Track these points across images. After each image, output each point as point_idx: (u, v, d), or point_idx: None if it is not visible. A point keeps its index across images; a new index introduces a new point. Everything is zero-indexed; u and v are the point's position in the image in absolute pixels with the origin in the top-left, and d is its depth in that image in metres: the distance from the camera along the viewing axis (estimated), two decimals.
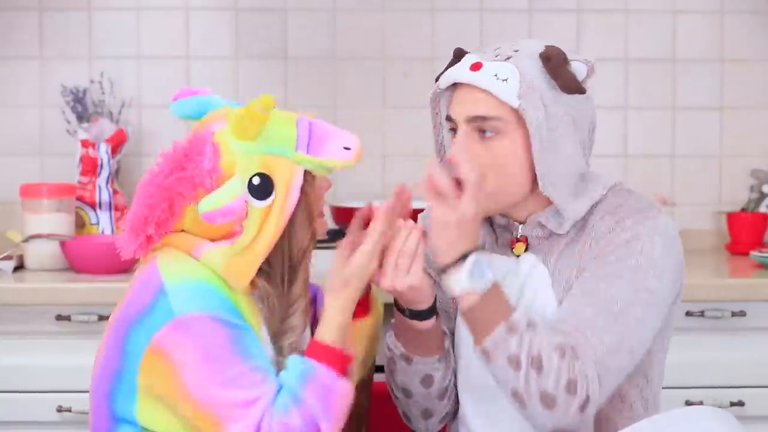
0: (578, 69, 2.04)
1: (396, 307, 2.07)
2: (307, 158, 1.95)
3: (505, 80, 2.00)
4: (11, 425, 2.87)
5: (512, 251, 2.09)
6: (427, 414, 2.15)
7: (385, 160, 3.49)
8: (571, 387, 1.87)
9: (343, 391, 1.92)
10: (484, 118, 2.01)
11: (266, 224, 1.94)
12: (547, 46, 2.03)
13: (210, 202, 1.93)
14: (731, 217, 3.39)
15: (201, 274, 1.96)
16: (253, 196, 1.94)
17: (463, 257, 1.91)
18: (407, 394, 2.13)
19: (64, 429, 2.87)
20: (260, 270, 1.97)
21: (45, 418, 2.87)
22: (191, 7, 3.44)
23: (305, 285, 2.02)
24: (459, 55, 2.10)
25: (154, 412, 1.96)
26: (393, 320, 2.10)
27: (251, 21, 3.44)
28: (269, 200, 1.94)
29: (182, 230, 2.01)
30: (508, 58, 2.02)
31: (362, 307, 2.09)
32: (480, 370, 2.04)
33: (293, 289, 2.00)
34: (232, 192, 1.93)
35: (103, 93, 3.36)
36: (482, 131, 2.02)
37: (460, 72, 2.04)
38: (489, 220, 2.14)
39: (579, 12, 3.46)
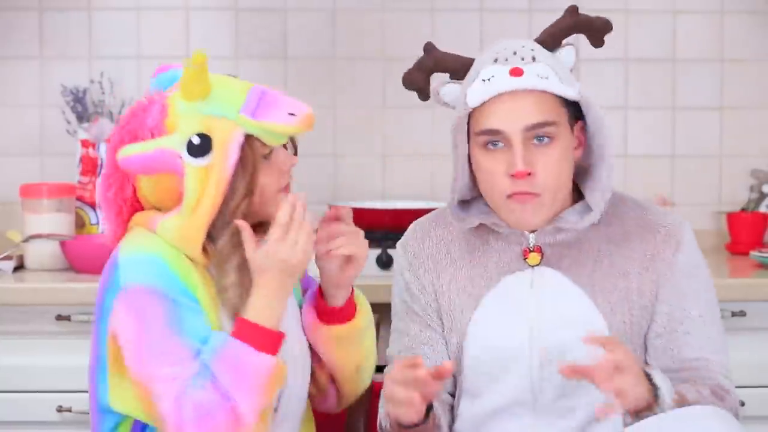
0: (569, 55, 2.07)
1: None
2: (249, 121, 1.95)
3: (547, 78, 1.99)
4: (11, 425, 2.87)
5: (525, 261, 2.09)
6: None
7: (385, 160, 3.49)
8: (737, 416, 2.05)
9: (260, 366, 1.90)
10: (542, 125, 1.99)
11: (207, 185, 1.94)
12: (553, 26, 2.08)
13: (127, 148, 1.96)
14: (731, 217, 3.39)
15: (152, 247, 1.97)
16: (191, 155, 1.95)
17: (654, 387, 1.92)
18: None
19: (64, 429, 2.87)
20: (211, 237, 1.98)
21: (45, 418, 2.87)
22: (191, 7, 3.44)
23: (234, 242, 1.98)
24: (429, 49, 2.12)
25: (123, 396, 1.97)
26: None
27: (251, 21, 3.44)
28: (207, 159, 1.94)
29: (154, 208, 2.04)
30: (534, 59, 2.01)
31: (346, 311, 2.09)
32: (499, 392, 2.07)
33: (222, 248, 1.98)
34: (159, 143, 1.96)
35: (103, 93, 3.37)
36: (535, 138, 2.00)
37: (503, 82, 1.99)
38: (489, 233, 2.12)
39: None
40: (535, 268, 2.08)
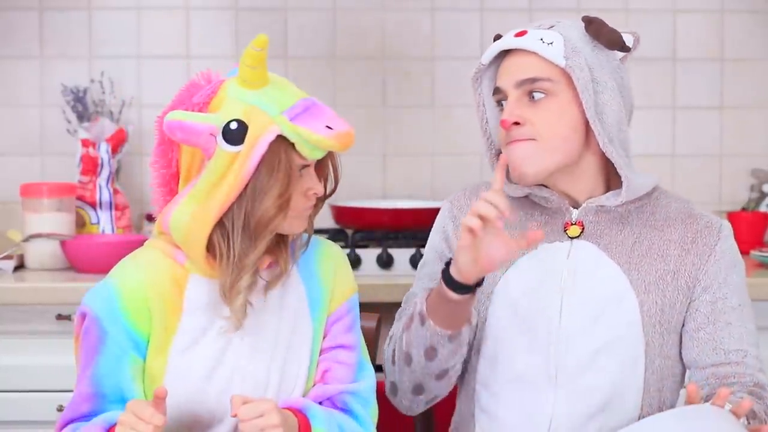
0: (626, 39, 2.14)
1: (445, 264, 2.02)
2: (287, 123, 1.92)
3: (551, 44, 2.05)
4: (11, 425, 2.87)
5: (565, 233, 2.11)
6: (418, 390, 2.12)
7: (385, 159, 3.49)
8: None
9: None
10: (533, 80, 2.05)
11: (229, 172, 1.92)
12: (584, 17, 2.11)
13: (176, 113, 1.94)
14: (731, 216, 3.39)
15: (121, 274, 1.99)
16: (225, 139, 1.93)
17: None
18: (407, 360, 2.09)
19: None
20: (222, 228, 1.95)
21: (45, 417, 2.87)
22: (191, 7, 3.44)
23: (258, 258, 1.96)
24: (498, 38, 2.16)
25: None
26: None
27: (251, 21, 3.44)
28: (238, 147, 1.92)
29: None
30: (551, 27, 2.08)
31: None
32: (524, 364, 2.08)
33: (246, 258, 1.95)
34: (204, 118, 1.94)
35: (104, 92, 3.37)
36: (531, 95, 2.06)
37: (506, 40, 2.09)
38: (534, 207, 2.15)
39: (579, 12, 3.46)
40: (574, 240, 2.11)
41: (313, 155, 1.95)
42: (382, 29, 3.47)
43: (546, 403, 2.07)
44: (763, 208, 3.44)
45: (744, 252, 3.29)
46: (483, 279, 1.99)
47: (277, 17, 3.46)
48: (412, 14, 3.47)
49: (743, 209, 3.45)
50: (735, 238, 3.33)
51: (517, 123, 2.05)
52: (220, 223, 1.94)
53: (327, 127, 1.93)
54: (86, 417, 1.97)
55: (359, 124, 3.46)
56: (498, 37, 2.15)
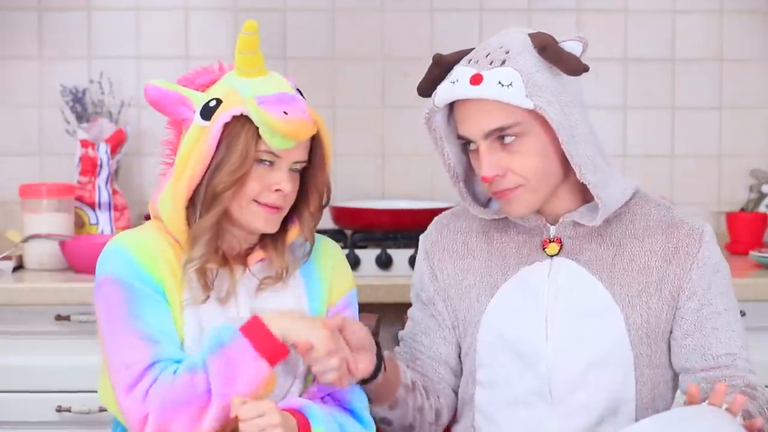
0: (573, 48, 2.03)
1: None
2: (254, 105, 1.95)
3: (510, 85, 1.98)
4: (11, 425, 2.87)
5: (544, 251, 2.10)
6: None
7: (384, 160, 3.49)
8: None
9: (253, 372, 1.90)
10: (502, 128, 2.00)
11: (196, 146, 1.96)
12: (533, 36, 2.02)
13: (157, 80, 2.01)
14: (730, 216, 3.39)
15: (123, 240, 2.01)
16: (202, 115, 1.98)
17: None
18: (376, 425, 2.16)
19: (64, 429, 2.88)
20: (194, 207, 1.98)
21: (45, 418, 2.87)
22: (191, 7, 3.44)
23: (214, 222, 1.97)
24: (439, 62, 2.07)
25: (104, 388, 2.01)
26: None
27: None
28: (208, 123, 1.97)
29: None
30: (504, 62, 2.00)
31: None
32: (521, 389, 2.08)
33: (201, 221, 1.97)
34: (185, 91, 2.00)
35: (103, 93, 3.37)
36: (501, 138, 2.01)
37: (462, 89, 2.01)
38: (510, 225, 2.14)
39: (579, 12, 3.46)
40: (554, 258, 2.09)
41: (273, 142, 1.95)
42: (381, 30, 3.47)
43: (542, 422, 2.08)
44: (762, 209, 3.44)
45: (743, 252, 3.31)
46: (382, 363, 2.03)
47: (277, 17, 3.45)
48: (412, 14, 3.47)
49: (742, 209, 3.45)
50: (734, 239, 3.37)
51: (497, 175, 2.02)
52: (192, 203, 1.98)
53: (284, 112, 1.95)
54: (150, 367, 1.93)
55: (359, 124, 3.47)
56: (439, 58, 2.07)
